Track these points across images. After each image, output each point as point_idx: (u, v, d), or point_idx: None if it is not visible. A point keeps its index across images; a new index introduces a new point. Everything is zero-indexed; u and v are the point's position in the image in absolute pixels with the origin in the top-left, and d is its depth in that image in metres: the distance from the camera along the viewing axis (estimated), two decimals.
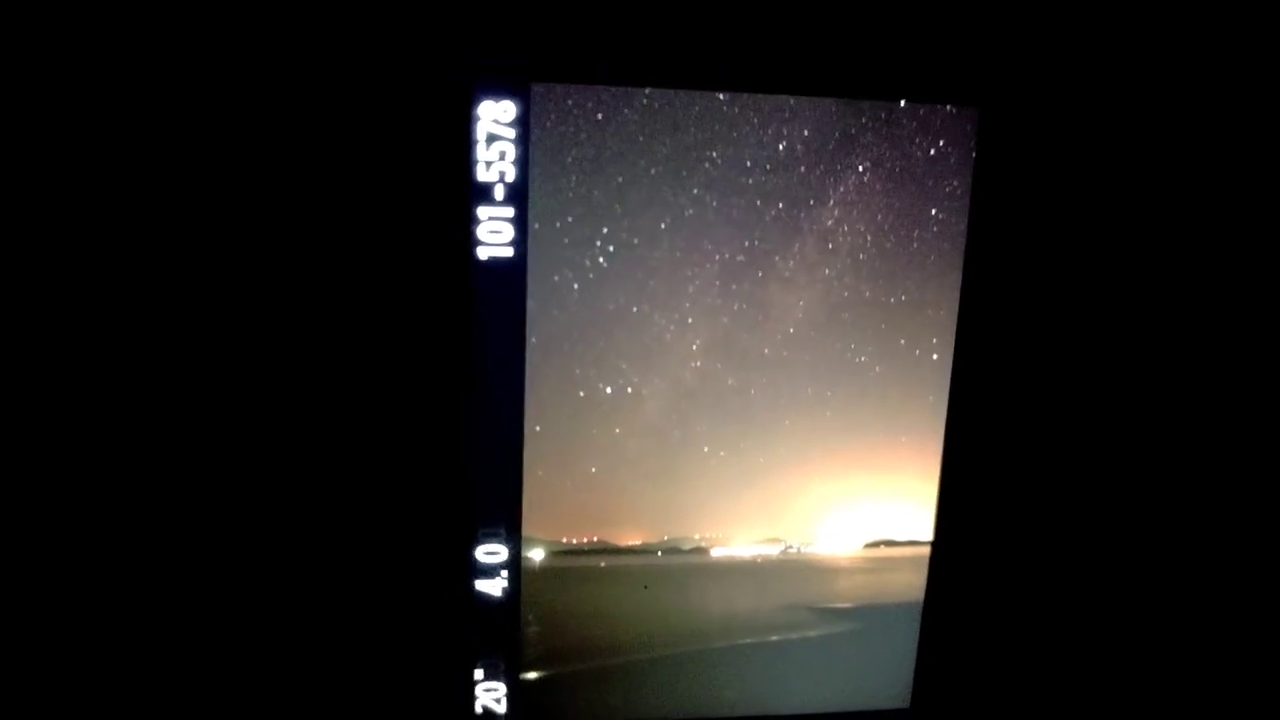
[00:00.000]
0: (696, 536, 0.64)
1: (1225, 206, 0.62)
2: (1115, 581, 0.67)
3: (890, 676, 0.68)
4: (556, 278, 0.59)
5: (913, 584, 0.67)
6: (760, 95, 0.59)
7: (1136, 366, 0.64)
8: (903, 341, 0.63)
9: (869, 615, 0.67)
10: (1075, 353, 0.64)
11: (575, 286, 0.60)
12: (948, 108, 0.60)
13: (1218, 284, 0.64)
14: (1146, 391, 0.65)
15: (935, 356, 0.64)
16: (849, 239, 0.61)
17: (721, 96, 0.59)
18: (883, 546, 0.66)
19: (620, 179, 0.59)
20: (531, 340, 0.60)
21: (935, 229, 0.62)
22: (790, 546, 0.65)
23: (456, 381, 0.60)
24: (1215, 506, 0.66)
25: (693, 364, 0.62)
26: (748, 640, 0.66)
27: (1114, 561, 0.67)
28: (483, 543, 0.62)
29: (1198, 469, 0.66)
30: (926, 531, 0.66)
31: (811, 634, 0.67)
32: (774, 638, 0.66)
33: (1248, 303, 0.64)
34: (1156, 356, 0.64)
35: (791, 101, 0.59)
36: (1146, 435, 0.65)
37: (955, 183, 0.61)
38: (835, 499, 0.65)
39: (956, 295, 0.63)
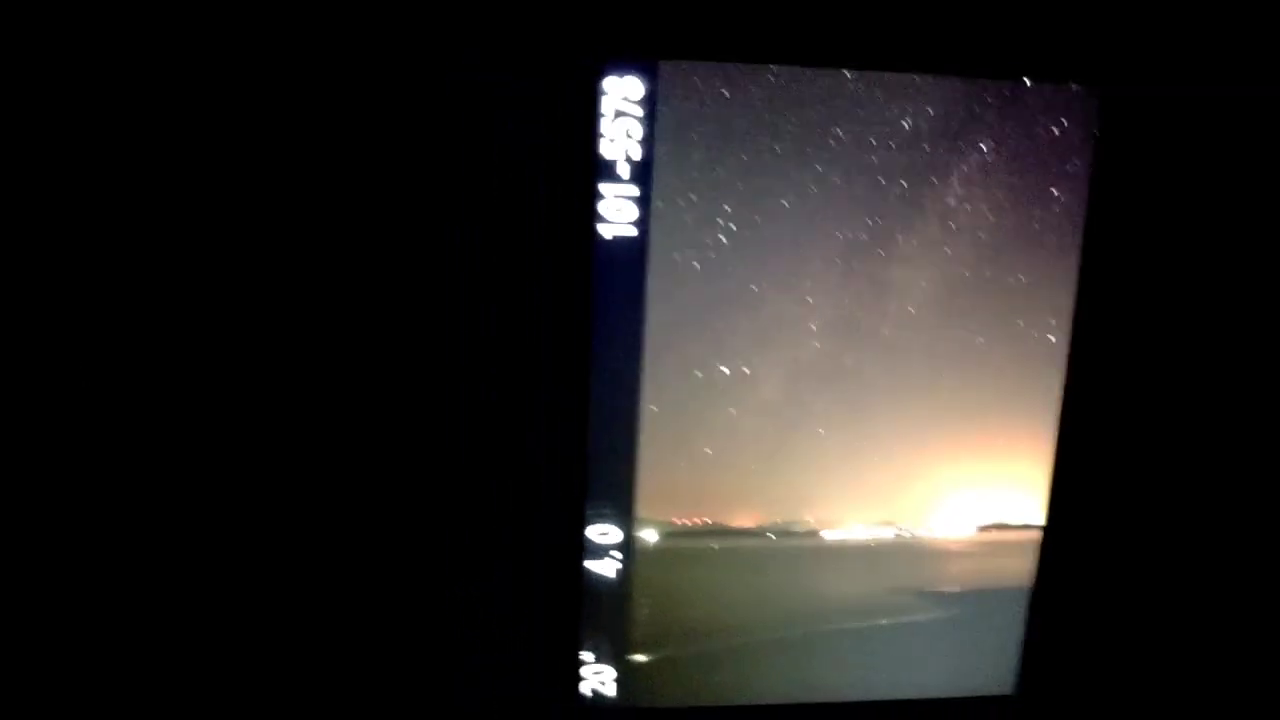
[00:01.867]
0: (809, 519, 0.64)
1: None
2: (1227, 572, 0.66)
3: (997, 662, 0.68)
4: (678, 256, 0.59)
5: (1023, 569, 0.66)
6: (886, 73, 0.58)
7: (1257, 351, 0.63)
8: (1021, 323, 0.63)
9: (978, 600, 0.66)
10: (1194, 337, 0.63)
11: (696, 265, 0.59)
12: (1071, 87, 0.60)
13: None
14: (1269, 377, 0.64)
15: (1053, 339, 0.63)
16: (970, 218, 0.61)
17: (847, 74, 0.58)
18: (995, 530, 0.65)
19: (744, 156, 0.58)
20: (650, 318, 0.59)
21: (1055, 209, 0.61)
22: (903, 530, 0.65)
23: (574, 360, 0.59)
24: None
25: (811, 344, 0.61)
26: (856, 624, 0.66)
27: (1226, 551, 0.66)
28: (595, 523, 0.62)
29: None
30: (1040, 516, 0.65)
31: (920, 618, 0.66)
32: (883, 621, 0.66)
33: None
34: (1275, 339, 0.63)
35: (917, 80, 0.58)
36: (1269, 422, 0.64)
37: (1076, 162, 0.61)
38: (949, 482, 0.64)
39: (1075, 276, 0.62)
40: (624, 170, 0.57)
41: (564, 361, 0.59)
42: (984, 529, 0.65)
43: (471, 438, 0.60)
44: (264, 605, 0.60)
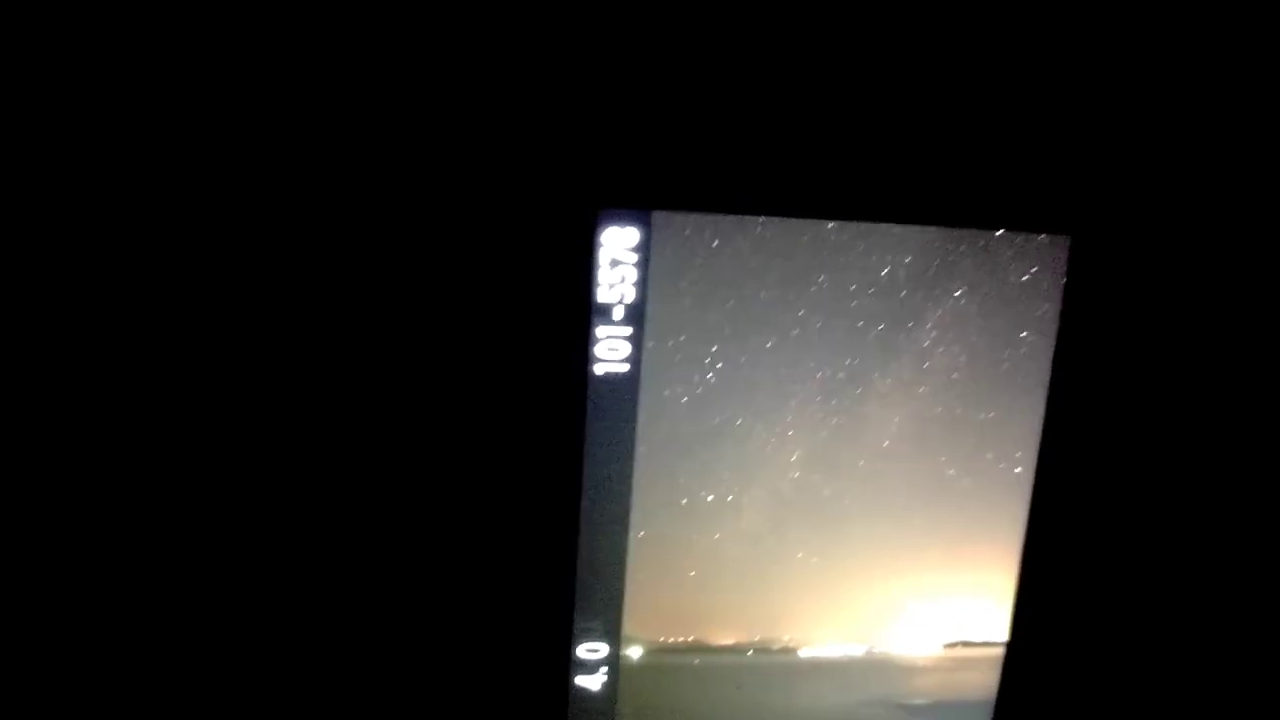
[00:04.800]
0: (786, 637, 0.67)
1: None
2: (1187, 686, 0.70)
3: None
4: (667, 392, 0.62)
5: (986, 683, 0.70)
6: (867, 224, 0.62)
7: (1214, 487, 0.67)
8: (989, 455, 0.66)
9: (945, 713, 0.70)
10: (1152, 471, 0.67)
11: (684, 400, 0.62)
12: (1041, 236, 0.63)
13: None
14: (1225, 510, 0.68)
15: (1018, 470, 0.66)
16: (943, 359, 0.64)
17: (830, 225, 0.61)
18: (960, 647, 0.69)
19: (731, 302, 0.61)
20: (640, 450, 0.62)
21: (1024, 350, 0.65)
22: (874, 647, 0.68)
23: (567, 488, 0.62)
24: None
25: (791, 475, 0.64)
26: None
27: (1186, 666, 0.70)
28: (584, 640, 0.65)
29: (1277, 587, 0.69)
30: (1002, 633, 0.69)
31: None
32: None
33: None
34: (1231, 478, 0.67)
35: (896, 230, 0.62)
36: (1225, 551, 0.68)
37: (1045, 307, 0.64)
38: (918, 602, 0.68)
39: (1041, 412, 0.66)
40: (618, 313, 0.60)
41: (557, 489, 0.62)
42: (950, 645, 0.69)
43: (471, 558, 0.62)
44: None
